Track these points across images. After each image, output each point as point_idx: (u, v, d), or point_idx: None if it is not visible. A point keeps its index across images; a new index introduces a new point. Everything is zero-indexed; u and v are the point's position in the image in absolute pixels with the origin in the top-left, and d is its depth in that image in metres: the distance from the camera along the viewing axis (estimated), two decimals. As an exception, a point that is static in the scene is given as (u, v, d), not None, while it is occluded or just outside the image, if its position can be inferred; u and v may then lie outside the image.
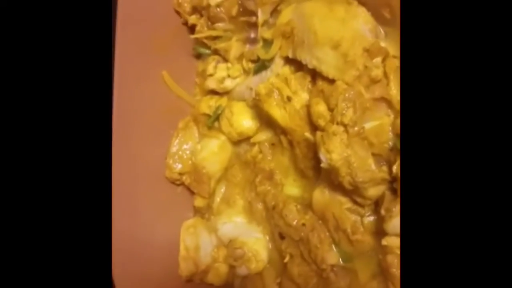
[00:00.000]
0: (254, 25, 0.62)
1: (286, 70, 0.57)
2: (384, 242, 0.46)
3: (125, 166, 0.61)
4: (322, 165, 0.47)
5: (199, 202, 0.69)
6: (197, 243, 0.66)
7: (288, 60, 0.57)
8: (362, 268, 0.51)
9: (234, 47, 0.66)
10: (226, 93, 0.67)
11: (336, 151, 0.45)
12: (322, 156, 0.47)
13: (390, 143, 0.46)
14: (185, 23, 0.70)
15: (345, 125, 0.46)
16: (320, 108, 0.49)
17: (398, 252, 0.46)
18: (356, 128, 0.45)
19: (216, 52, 0.68)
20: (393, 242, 0.46)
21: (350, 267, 0.51)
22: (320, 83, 0.50)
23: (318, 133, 0.48)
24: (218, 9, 0.64)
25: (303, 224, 0.53)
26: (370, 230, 0.50)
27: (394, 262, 0.45)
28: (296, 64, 0.56)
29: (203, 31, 0.67)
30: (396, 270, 0.45)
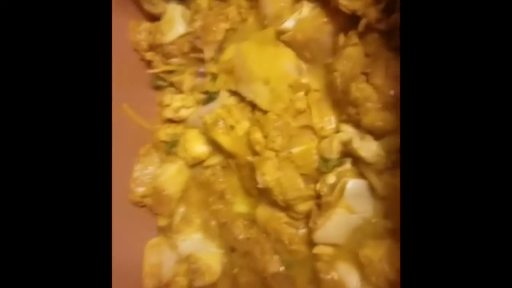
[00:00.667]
0: (203, 61, 0.70)
1: (231, 101, 0.64)
2: (315, 250, 0.53)
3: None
4: (258, 185, 0.54)
5: (161, 221, 0.75)
6: (160, 260, 0.72)
7: (232, 92, 0.64)
8: (299, 275, 0.57)
9: (187, 80, 0.73)
10: (181, 121, 0.74)
11: (268, 174, 0.52)
12: (258, 178, 0.54)
13: (316, 164, 0.54)
14: (143, 59, 0.77)
15: (276, 151, 0.53)
16: (257, 135, 0.56)
17: (326, 259, 0.53)
18: (285, 153, 0.53)
19: (172, 84, 0.75)
20: (322, 250, 0.53)
21: (290, 274, 0.58)
22: (257, 114, 0.58)
23: (256, 158, 0.56)
24: (171, 46, 0.72)
25: (248, 238, 0.59)
26: (304, 240, 0.57)
27: (323, 268, 0.52)
28: (238, 95, 0.63)
29: (159, 66, 0.74)
30: (324, 275, 0.52)
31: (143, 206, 0.75)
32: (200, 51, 0.69)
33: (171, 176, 0.73)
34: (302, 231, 0.57)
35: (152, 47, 0.75)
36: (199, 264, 0.65)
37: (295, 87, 0.54)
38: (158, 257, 0.72)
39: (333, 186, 0.50)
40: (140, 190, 0.74)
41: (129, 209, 0.75)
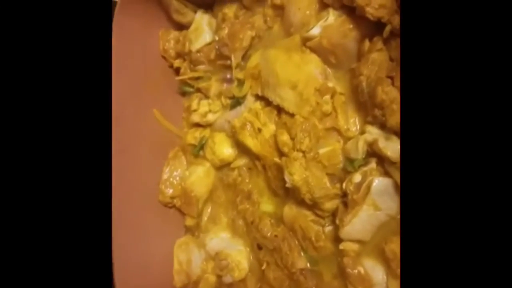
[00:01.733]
0: (229, 67, 0.73)
1: (257, 105, 0.67)
2: (341, 247, 0.56)
3: (123, 192, 0.70)
4: (286, 185, 0.57)
5: (189, 221, 0.78)
6: (188, 258, 0.75)
7: (258, 97, 0.67)
8: (325, 270, 0.60)
9: (214, 86, 0.76)
10: (208, 125, 0.77)
11: (296, 173, 0.55)
12: (286, 177, 0.57)
13: (341, 164, 0.56)
14: (171, 66, 0.81)
15: (303, 152, 0.56)
16: (284, 137, 0.59)
17: (352, 254, 0.55)
18: (312, 154, 0.55)
19: (198, 90, 0.79)
20: (348, 246, 0.55)
21: (316, 270, 0.60)
22: (284, 117, 0.61)
23: (283, 159, 0.58)
24: (198, 54, 0.75)
25: (276, 236, 0.62)
26: (330, 237, 0.59)
27: (349, 263, 0.55)
28: (264, 100, 0.66)
29: (186, 73, 0.78)
30: (350, 270, 0.54)
31: (172, 207, 0.79)
32: (227, 58, 0.72)
33: (199, 177, 0.76)
34: (328, 228, 0.59)
35: (180, 55, 0.79)
36: (228, 261, 0.68)
37: (321, 90, 0.57)
38: (187, 255, 0.76)
39: (359, 185, 0.52)
40: (169, 191, 0.77)
41: (159, 209, 0.78)
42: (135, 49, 0.76)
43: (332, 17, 0.55)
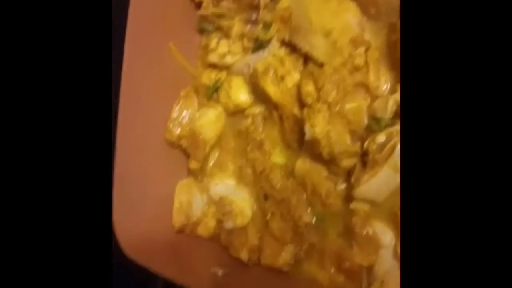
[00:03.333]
0: (256, 7, 0.68)
1: (282, 51, 0.63)
2: (352, 206, 0.55)
3: (130, 125, 0.68)
4: (306, 137, 0.55)
5: (193, 164, 0.76)
6: (189, 200, 0.74)
7: (284, 43, 0.63)
8: (331, 228, 0.59)
9: (236, 26, 0.72)
10: (226, 67, 0.73)
11: (319, 126, 0.53)
12: (307, 129, 0.54)
13: (365, 122, 0.54)
14: (192, 0, 0.76)
15: (328, 104, 0.53)
16: (309, 88, 0.56)
17: (362, 215, 0.54)
18: (337, 107, 0.53)
19: (219, 29, 0.74)
20: (359, 206, 0.54)
21: (321, 226, 0.60)
22: (311, 66, 0.57)
23: (305, 110, 0.56)
24: (224, -12, 0.70)
25: (286, 187, 0.61)
26: (340, 196, 0.58)
27: (358, 223, 0.54)
28: (291, 46, 0.62)
29: (208, 8, 0.73)
30: (359, 230, 0.54)
31: (177, 147, 0.77)
32: (254, -4, 0.68)
33: (209, 121, 0.74)
34: (340, 186, 0.58)
35: (204, -13, 0.73)
36: (232, 207, 0.67)
37: (356, 42, 0.53)
38: (188, 197, 0.75)
39: (382, 145, 0.50)
40: (177, 130, 0.75)
41: (164, 148, 0.76)
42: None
43: (379, -37, 0.51)
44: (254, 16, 0.70)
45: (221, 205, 0.69)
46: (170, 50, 0.74)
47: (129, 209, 0.68)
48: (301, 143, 0.63)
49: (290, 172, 0.64)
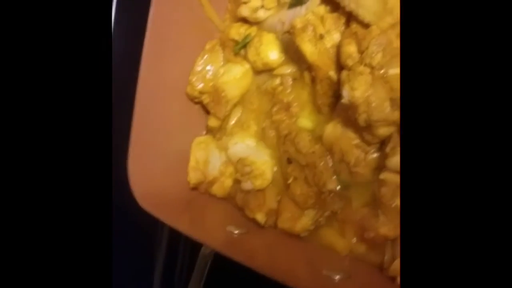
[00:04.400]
0: (297, -40, 0.64)
1: (322, 9, 0.60)
2: (382, 176, 0.53)
3: (152, 74, 0.65)
4: (342, 100, 0.52)
5: (213, 122, 0.74)
6: (206, 157, 0.72)
7: (326, 0, 0.60)
8: (356, 197, 0.58)
9: (273, -22, 0.68)
10: (257, 23, 0.70)
11: (359, 89, 0.50)
12: (346, 92, 0.52)
13: (408, 91, 0.51)
14: None
15: (372, 67, 0.50)
16: (351, 48, 0.53)
17: (393, 186, 0.53)
18: (382, 71, 0.50)
19: (253, -21, 0.70)
20: (389, 177, 0.53)
21: (346, 194, 0.58)
22: (354, 26, 0.54)
23: (344, 72, 0.53)
24: None
25: (313, 152, 0.59)
26: (370, 166, 0.56)
27: (387, 194, 0.52)
28: (332, 4, 0.58)
29: (244, -44, 0.69)
30: (387, 201, 0.52)
31: (198, 103, 0.74)
32: None
33: (235, 78, 0.71)
34: (371, 156, 0.56)
35: None
36: (252, 168, 0.65)
37: (410, 3, 0.50)
38: (205, 154, 0.73)
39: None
40: (200, 85, 0.72)
41: (184, 102, 0.74)
42: None
43: None
44: (293, -30, 0.66)
45: (240, 166, 0.67)
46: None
47: (144, 160, 0.66)
48: (333, 108, 0.60)
49: (317, 138, 0.62)
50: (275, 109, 0.66)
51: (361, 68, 0.51)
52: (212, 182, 0.71)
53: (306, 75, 0.62)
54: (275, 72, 0.67)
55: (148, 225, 0.83)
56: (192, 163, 0.72)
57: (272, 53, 0.67)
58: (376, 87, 0.50)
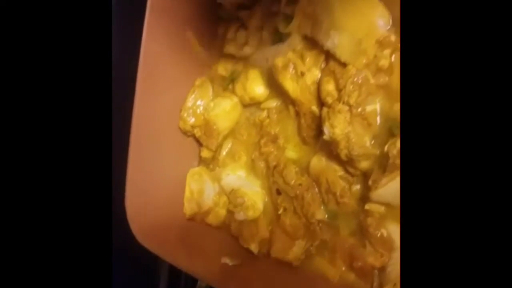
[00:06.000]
0: (278, -1, 0.67)
1: (302, 46, 0.63)
2: (367, 206, 0.55)
3: (145, 112, 0.68)
4: (324, 137, 0.55)
5: (205, 153, 0.77)
6: (201, 188, 0.75)
7: (305, 37, 0.62)
8: (344, 225, 0.60)
9: (256, 17, 0.70)
10: (243, 58, 0.73)
11: (339, 127, 0.53)
12: (326, 129, 0.54)
13: (387, 125, 0.54)
14: (213, -13, 0.74)
15: (350, 105, 0.53)
16: (330, 87, 0.55)
17: (378, 216, 0.55)
18: (359, 109, 0.53)
19: (238, 18, 0.73)
20: (374, 207, 0.55)
21: (334, 223, 0.60)
22: (332, 64, 0.57)
23: (325, 109, 0.56)
24: (245, -22, 0.69)
25: (300, 184, 0.61)
26: (355, 196, 0.58)
27: (373, 224, 0.55)
28: (312, 42, 0.61)
29: (228, -3, 0.72)
30: (373, 231, 0.55)
31: (190, 136, 0.77)
32: (277, -12, 0.66)
33: (224, 111, 0.73)
34: (356, 187, 0.58)
35: (224, -24, 0.72)
36: (244, 199, 0.67)
37: (383, 44, 0.52)
38: (199, 185, 0.75)
39: (403, 150, 0.50)
40: (191, 120, 0.75)
41: (177, 136, 0.76)
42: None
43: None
44: (274, 8, 0.68)
45: (233, 197, 0.69)
46: (188, 38, 0.73)
47: (141, 195, 0.68)
48: (317, 139, 0.63)
49: (304, 168, 0.64)
50: (263, 141, 0.69)
51: (340, 106, 0.53)
52: (207, 212, 0.73)
53: (291, 108, 0.65)
54: (262, 105, 0.70)
55: (148, 259, 0.85)
56: (187, 194, 0.75)
57: (257, 88, 0.69)
58: (355, 124, 0.53)
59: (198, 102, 0.75)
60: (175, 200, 0.74)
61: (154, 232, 0.68)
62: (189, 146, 0.78)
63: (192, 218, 0.74)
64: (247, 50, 0.71)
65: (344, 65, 0.55)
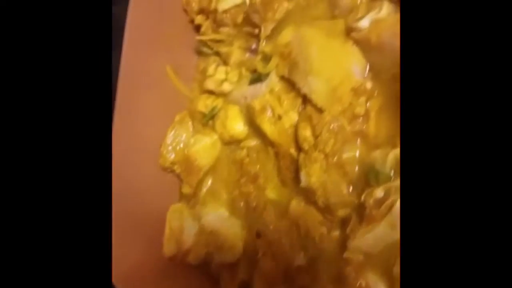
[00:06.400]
0: (256, 37, 0.66)
1: (280, 87, 0.62)
2: (346, 255, 0.54)
3: (124, 149, 0.66)
4: (301, 184, 0.54)
5: (186, 189, 0.75)
6: (181, 226, 0.73)
7: (283, 78, 0.61)
8: (323, 271, 0.58)
9: (235, 53, 0.70)
10: (222, 95, 0.72)
11: (315, 175, 0.52)
12: (302, 177, 0.53)
13: (364, 173, 0.53)
14: (192, 21, 0.74)
15: (325, 154, 0.52)
16: (306, 133, 0.54)
17: (355, 264, 0.53)
18: (335, 158, 0.52)
19: (217, 54, 0.72)
20: (353, 256, 0.53)
21: (313, 269, 0.59)
22: (309, 109, 0.56)
23: (302, 155, 0.55)
24: (224, 15, 0.68)
25: (279, 229, 0.60)
26: (334, 242, 0.57)
27: (351, 273, 0.53)
28: (290, 84, 0.60)
29: (207, 33, 0.71)
30: (352, 280, 0.53)
31: (170, 172, 0.75)
32: (255, 26, 0.65)
33: (204, 148, 0.72)
34: (335, 233, 0.57)
35: (204, 11, 0.71)
36: (222, 241, 0.66)
37: (358, 91, 0.52)
38: (180, 222, 0.73)
39: (380, 201, 0.49)
40: (171, 156, 0.73)
41: (157, 172, 0.75)
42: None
43: (385, 10, 0.49)
44: (254, 45, 0.68)
45: (212, 238, 0.68)
46: (167, 72, 0.72)
47: (121, 237, 0.67)
48: (296, 182, 0.61)
49: (284, 210, 0.63)
50: (243, 180, 0.68)
51: (316, 154, 0.52)
52: (187, 251, 0.71)
53: (270, 150, 0.64)
54: (242, 145, 0.69)
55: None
56: (167, 232, 0.73)
57: (237, 126, 0.68)
58: (331, 172, 0.52)
59: (178, 138, 0.74)
60: (155, 239, 0.72)
61: (134, 275, 0.66)
62: (169, 182, 0.77)
63: (172, 259, 0.72)
64: (226, 86, 0.70)
65: (320, 110, 0.54)
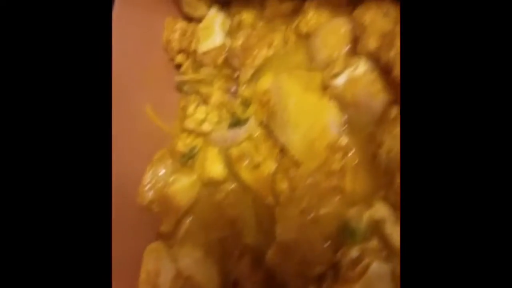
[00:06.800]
0: (236, 79, 0.66)
1: (260, 133, 0.61)
2: (321, 312, 0.53)
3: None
4: (276, 239, 0.53)
5: (165, 227, 0.74)
6: (158, 269, 0.71)
7: (262, 124, 0.61)
8: (301, 326, 0.57)
9: (215, 94, 0.69)
10: (202, 134, 0.71)
11: (290, 232, 0.51)
12: (278, 231, 0.52)
13: (340, 230, 0.52)
14: (172, 59, 0.73)
15: (301, 210, 0.51)
16: (283, 185, 0.54)
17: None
18: (312, 215, 0.51)
19: (198, 93, 0.72)
20: (329, 313, 0.52)
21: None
22: (286, 161, 0.55)
23: (278, 209, 0.54)
24: (204, 56, 0.67)
25: (255, 282, 0.58)
26: (311, 295, 0.56)
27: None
28: (268, 131, 0.60)
29: (187, 73, 0.70)
30: (327, 338, 0.52)
31: (149, 211, 0.74)
32: (235, 69, 0.65)
33: (183, 187, 0.71)
34: (311, 287, 0.56)
35: (185, 51, 0.70)
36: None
37: (334, 148, 0.51)
38: (156, 264, 0.72)
39: (355, 261, 0.48)
40: (149, 195, 0.72)
41: (135, 210, 0.73)
42: (134, 34, 0.67)
43: (362, 68, 0.48)
44: (234, 87, 0.67)
45: (188, 284, 0.66)
46: (147, 112, 0.71)
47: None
48: (274, 231, 0.61)
49: (261, 257, 0.62)
50: (221, 223, 0.66)
51: (291, 210, 0.51)
52: (163, 297, 0.70)
53: (248, 195, 0.63)
54: (221, 187, 0.68)
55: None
56: (143, 276, 0.71)
57: (216, 168, 0.67)
58: (307, 229, 0.51)
59: (157, 177, 0.73)
60: (130, 283, 0.71)
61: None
62: (147, 220, 0.75)
63: (147, 304, 0.70)
64: (206, 126, 0.69)
65: (297, 163, 0.53)
